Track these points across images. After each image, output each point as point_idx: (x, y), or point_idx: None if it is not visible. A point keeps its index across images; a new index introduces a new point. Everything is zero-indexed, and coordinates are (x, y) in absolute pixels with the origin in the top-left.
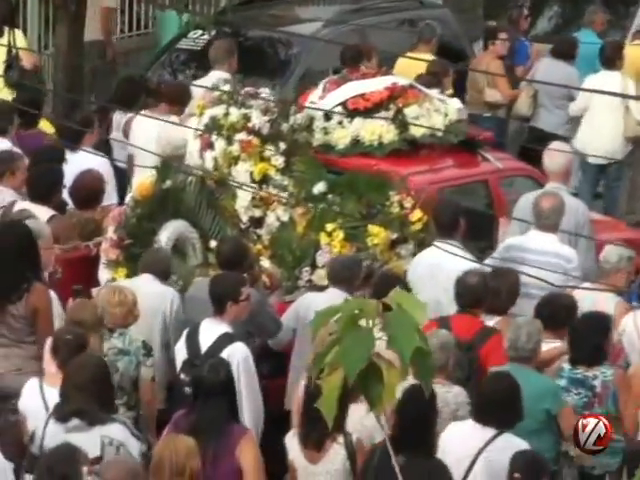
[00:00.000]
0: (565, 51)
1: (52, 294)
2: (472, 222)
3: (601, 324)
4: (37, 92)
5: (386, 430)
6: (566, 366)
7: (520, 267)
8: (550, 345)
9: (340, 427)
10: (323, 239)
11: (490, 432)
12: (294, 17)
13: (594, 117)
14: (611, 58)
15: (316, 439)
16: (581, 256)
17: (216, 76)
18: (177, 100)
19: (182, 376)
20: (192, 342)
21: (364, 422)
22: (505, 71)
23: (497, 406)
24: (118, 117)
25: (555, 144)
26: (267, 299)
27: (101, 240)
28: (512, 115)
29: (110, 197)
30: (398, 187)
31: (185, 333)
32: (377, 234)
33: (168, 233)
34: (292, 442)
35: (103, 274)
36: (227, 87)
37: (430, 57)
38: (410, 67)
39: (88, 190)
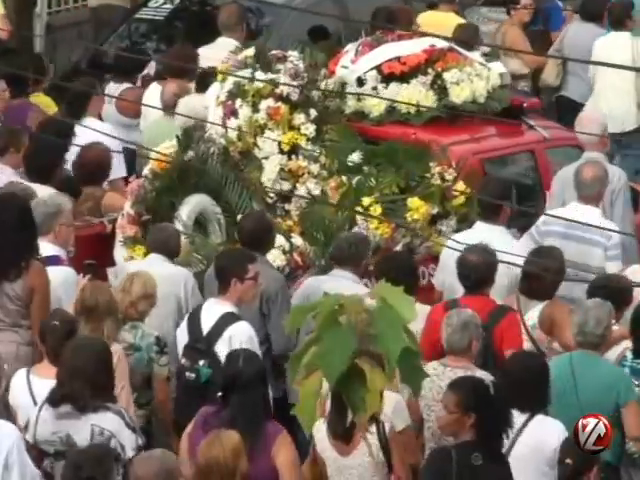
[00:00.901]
0: (594, 12)
1: (72, 273)
2: (519, 196)
3: None
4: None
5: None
6: (629, 355)
7: (561, 243)
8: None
9: (374, 416)
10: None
11: (521, 416)
12: None
13: (605, 83)
14: (619, 18)
15: (344, 430)
16: (617, 226)
17: (225, 44)
18: (182, 71)
19: (183, 361)
20: (194, 324)
21: (384, 409)
22: (537, 38)
23: (527, 388)
24: (113, 88)
25: (587, 111)
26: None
27: (116, 216)
28: (539, 86)
29: (118, 170)
30: (439, 158)
31: (187, 315)
32: (417, 208)
33: (190, 208)
34: (320, 433)
35: (119, 252)
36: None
37: (455, 17)
38: (432, 29)
39: (94, 165)
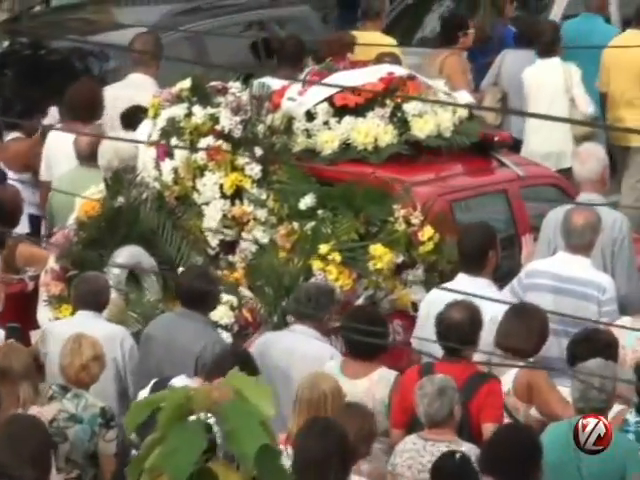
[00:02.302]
0: (531, 37)
1: None
2: None
3: None
4: None
5: None
6: (631, 418)
7: (545, 297)
8: None
9: None
10: (316, 264)
11: None
12: (112, 22)
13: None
14: (550, 44)
15: None
16: (620, 281)
17: (138, 81)
18: (88, 112)
19: (133, 437)
20: None
21: None
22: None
23: (514, 464)
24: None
25: (586, 146)
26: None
27: (38, 272)
28: None
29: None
30: (402, 200)
31: (150, 388)
32: (381, 256)
33: (121, 261)
34: None
35: (43, 313)
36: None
37: (380, 36)
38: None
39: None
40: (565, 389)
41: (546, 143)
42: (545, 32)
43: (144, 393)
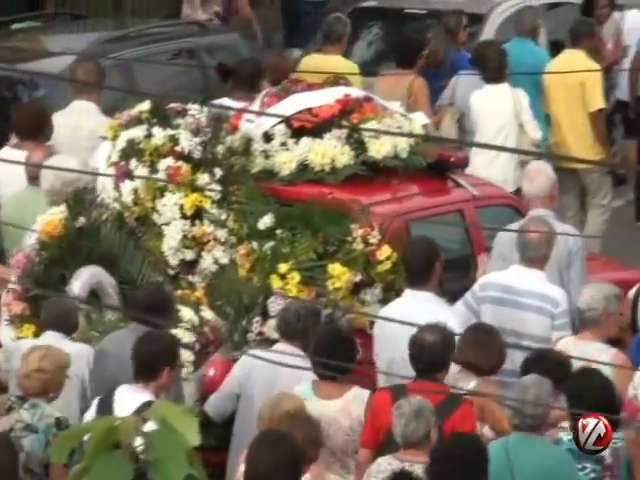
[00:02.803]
0: (479, 63)
1: None
2: (447, 261)
3: (603, 382)
4: None
5: None
6: (564, 436)
7: (499, 310)
8: None
9: None
10: (275, 283)
11: None
12: (40, 50)
13: (485, 141)
14: (498, 69)
15: None
16: (576, 291)
17: (81, 108)
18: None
19: None
20: (105, 413)
21: None
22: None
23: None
24: None
25: (535, 164)
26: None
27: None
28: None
29: None
30: (360, 219)
31: (96, 403)
32: (339, 276)
33: (82, 281)
34: None
35: (5, 333)
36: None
37: (341, 60)
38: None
39: None
40: None
41: (490, 166)
42: (492, 58)
43: (91, 414)
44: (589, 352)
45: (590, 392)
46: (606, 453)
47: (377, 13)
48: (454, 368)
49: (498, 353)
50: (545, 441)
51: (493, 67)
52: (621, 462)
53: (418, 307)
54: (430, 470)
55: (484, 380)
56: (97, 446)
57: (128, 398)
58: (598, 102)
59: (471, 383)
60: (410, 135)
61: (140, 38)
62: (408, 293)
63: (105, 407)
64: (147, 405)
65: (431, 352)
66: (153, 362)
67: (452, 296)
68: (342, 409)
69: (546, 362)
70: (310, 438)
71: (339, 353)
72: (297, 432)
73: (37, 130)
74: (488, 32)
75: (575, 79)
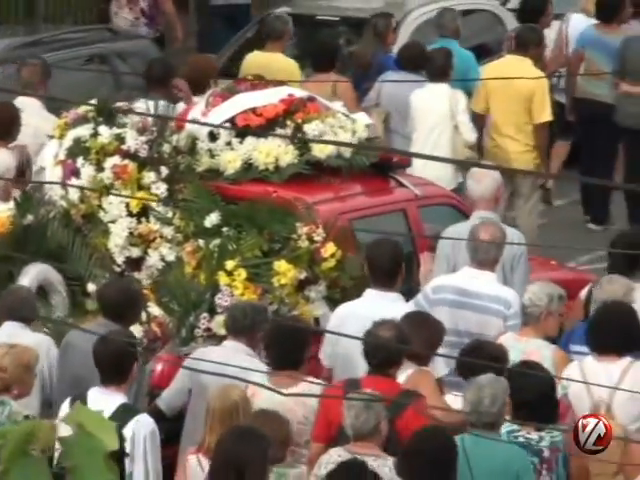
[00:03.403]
0: (415, 61)
1: None
2: None
3: (544, 375)
4: None
5: None
6: (503, 429)
7: (451, 312)
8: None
9: None
10: (222, 280)
11: None
12: None
13: (421, 140)
14: (441, 68)
15: None
16: (519, 293)
17: (26, 103)
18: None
19: None
20: None
21: None
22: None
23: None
24: None
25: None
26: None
27: None
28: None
29: None
30: (305, 218)
31: (67, 403)
32: (285, 273)
33: (30, 278)
34: None
35: None
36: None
37: (283, 57)
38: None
39: None
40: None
41: (428, 166)
42: (437, 58)
43: (65, 408)
44: (529, 348)
45: (530, 385)
46: (544, 446)
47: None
48: None
49: (432, 340)
50: (501, 438)
51: (436, 66)
52: (559, 456)
53: (385, 306)
54: (400, 465)
55: (420, 369)
56: (14, 451)
57: (101, 400)
58: (546, 114)
59: (407, 371)
60: (367, 148)
61: (52, 44)
62: (373, 293)
63: None
64: (124, 408)
65: (385, 348)
66: (123, 363)
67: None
68: (297, 398)
69: (482, 354)
70: (280, 438)
71: (293, 343)
72: (267, 430)
73: (6, 128)
74: (402, 37)
75: (523, 87)
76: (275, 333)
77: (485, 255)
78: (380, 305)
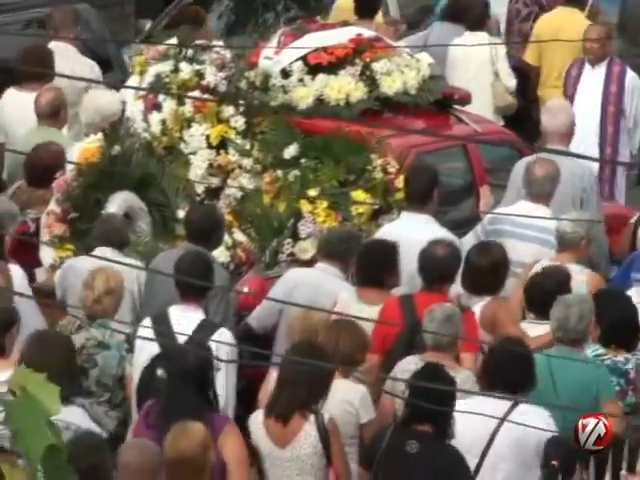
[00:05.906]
0: (459, 13)
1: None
2: (451, 192)
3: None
4: None
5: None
6: (590, 352)
7: (506, 242)
8: (541, 327)
9: (308, 406)
10: (305, 207)
11: (504, 404)
12: None
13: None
14: (479, 18)
15: (284, 410)
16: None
17: (59, 48)
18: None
19: (160, 372)
20: (163, 332)
21: (350, 399)
22: None
23: (509, 372)
24: None
25: (555, 101)
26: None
27: (38, 215)
28: None
29: None
30: (379, 150)
31: (150, 320)
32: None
33: (117, 205)
34: (256, 422)
35: (46, 253)
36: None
37: None
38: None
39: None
40: (540, 326)
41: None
42: (474, 8)
43: (147, 323)
44: None
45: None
46: (630, 367)
47: None
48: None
49: (496, 272)
50: (584, 356)
51: (474, 16)
52: None
53: (416, 227)
54: (487, 362)
55: (495, 298)
56: None
57: (184, 317)
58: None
59: (481, 302)
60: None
61: None
62: (406, 215)
63: (162, 323)
64: (206, 323)
65: (439, 265)
66: (202, 280)
67: (456, 225)
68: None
69: (546, 282)
70: (359, 342)
71: (383, 260)
72: (346, 337)
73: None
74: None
75: (572, 35)
76: (364, 252)
77: (540, 189)
78: (413, 226)
